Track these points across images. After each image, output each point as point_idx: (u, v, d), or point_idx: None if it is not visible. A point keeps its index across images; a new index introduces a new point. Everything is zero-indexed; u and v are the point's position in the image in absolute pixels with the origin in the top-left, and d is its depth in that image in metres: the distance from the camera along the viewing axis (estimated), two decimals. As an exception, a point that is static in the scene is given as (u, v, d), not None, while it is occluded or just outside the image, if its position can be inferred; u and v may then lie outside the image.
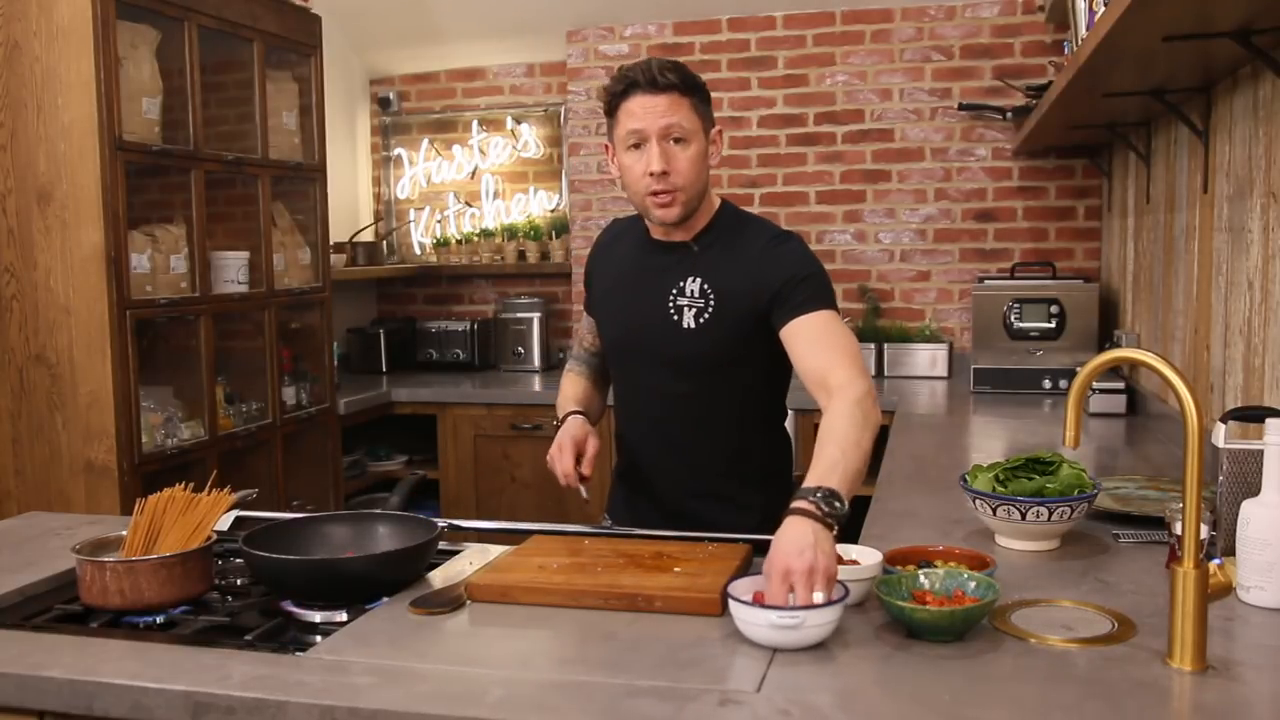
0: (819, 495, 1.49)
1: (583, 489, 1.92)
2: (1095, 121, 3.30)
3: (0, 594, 1.67)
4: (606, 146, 1.95)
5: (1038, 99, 3.54)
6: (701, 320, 1.92)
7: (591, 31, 4.63)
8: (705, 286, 1.93)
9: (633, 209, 2.01)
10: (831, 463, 1.57)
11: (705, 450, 2.02)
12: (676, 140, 1.83)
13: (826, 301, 1.88)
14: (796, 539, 1.41)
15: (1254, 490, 1.55)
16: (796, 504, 1.48)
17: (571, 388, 2.13)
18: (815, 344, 1.83)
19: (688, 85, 1.84)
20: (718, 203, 2.00)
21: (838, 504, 1.49)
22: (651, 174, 1.83)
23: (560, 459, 1.90)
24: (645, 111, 1.82)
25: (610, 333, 2.09)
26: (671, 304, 1.94)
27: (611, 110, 1.87)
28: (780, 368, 2.02)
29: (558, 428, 2.00)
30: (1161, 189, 3.11)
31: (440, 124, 5.01)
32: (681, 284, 1.94)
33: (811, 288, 1.88)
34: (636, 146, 1.84)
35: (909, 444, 2.97)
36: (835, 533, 1.47)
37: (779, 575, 1.39)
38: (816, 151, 4.45)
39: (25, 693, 1.37)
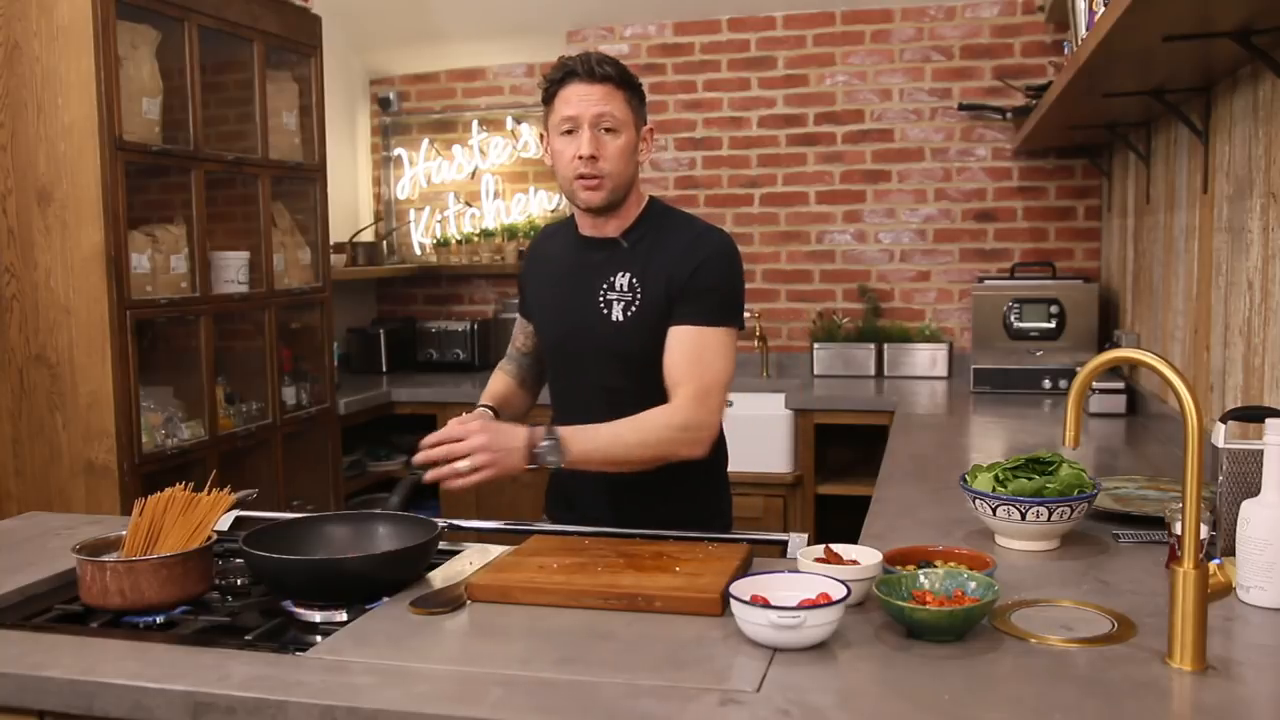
0: (547, 435, 1.78)
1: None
2: (1095, 121, 3.30)
3: (0, 594, 1.67)
4: (542, 135, 2.01)
5: (1038, 99, 3.54)
6: (629, 313, 1.95)
7: (591, 31, 4.63)
8: (634, 280, 1.96)
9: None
10: (594, 435, 1.83)
11: None
12: (608, 130, 1.90)
13: (724, 317, 1.93)
14: (509, 434, 1.76)
15: (1254, 490, 1.55)
16: (535, 425, 1.80)
17: (493, 385, 2.16)
18: (684, 355, 1.90)
19: (623, 79, 1.91)
20: (646, 199, 2.04)
21: (551, 456, 1.77)
22: (580, 158, 1.89)
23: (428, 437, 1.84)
24: (580, 99, 1.88)
25: (546, 331, 2.11)
26: (602, 298, 1.98)
27: (549, 98, 1.93)
28: None
29: None
30: (1161, 189, 3.11)
31: (440, 124, 5.01)
32: (612, 279, 1.98)
33: (716, 297, 1.93)
34: (569, 133, 1.91)
35: (909, 444, 2.97)
36: (530, 467, 1.76)
37: (469, 428, 1.73)
38: (816, 151, 4.45)
39: (25, 693, 1.37)
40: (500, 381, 2.18)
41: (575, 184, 1.93)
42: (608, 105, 1.89)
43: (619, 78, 1.91)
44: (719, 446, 2.11)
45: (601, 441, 1.83)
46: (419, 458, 1.74)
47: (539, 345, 2.17)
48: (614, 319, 1.96)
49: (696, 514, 2.03)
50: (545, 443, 1.78)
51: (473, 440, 1.73)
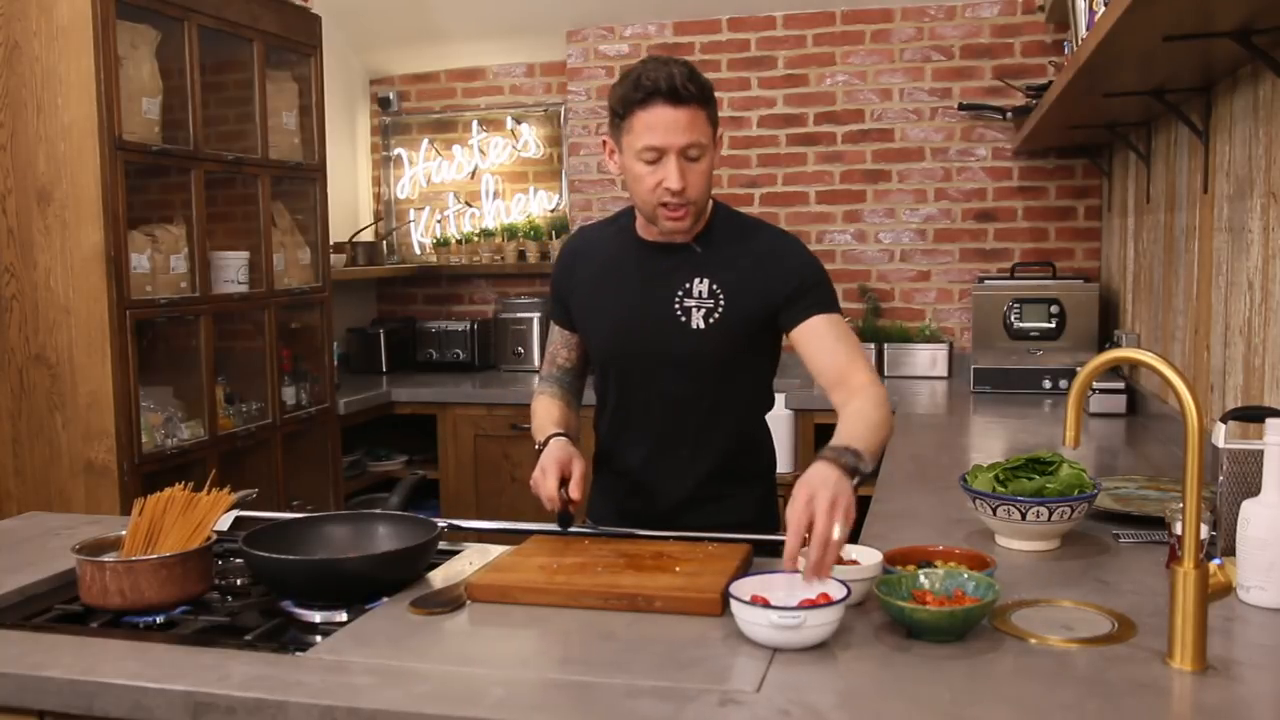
0: (840, 449, 1.60)
1: (570, 510, 1.86)
2: (1095, 121, 3.30)
3: (0, 594, 1.67)
4: (605, 142, 1.90)
5: (1038, 99, 3.54)
6: (711, 320, 1.91)
7: (591, 31, 4.63)
8: (714, 287, 1.92)
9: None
10: (855, 433, 1.68)
11: (704, 450, 2.00)
12: (692, 158, 1.80)
13: (836, 305, 1.94)
14: (821, 473, 1.52)
15: (1254, 490, 1.55)
16: (820, 455, 1.58)
17: (546, 411, 2.03)
18: (835, 345, 1.89)
19: (705, 96, 1.80)
20: (711, 203, 1.98)
21: (860, 462, 1.59)
22: (668, 189, 1.81)
23: (544, 483, 1.82)
24: (667, 128, 1.76)
25: (602, 338, 2.04)
26: (678, 305, 1.92)
27: (624, 115, 1.81)
28: (774, 365, 2.07)
29: (539, 453, 1.91)
30: (1161, 189, 3.11)
31: (440, 124, 5.01)
32: (688, 285, 1.93)
33: (824, 291, 1.93)
34: (653, 161, 1.80)
35: (909, 444, 2.97)
36: (855, 482, 1.55)
37: (803, 501, 1.47)
38: (816, 151, 4.45)
39: (25, 693, 1.37)
40: (550, 406, 2.06)
41: (659, 211, 1.85)
42: (695, 132, 1.78)
43: (702, 96, 1.78)
44: (771, 449, 2.13)
45: (870, 437, 1.69)
46: (810, 575, 1.44)
47: (582, 357, 2.11)
48: (694, 326, 1.91)
49: (757, 518, 2.04)
50: (850, 457, 1.58)
51: (821, 514, 1.46)
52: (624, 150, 1.85)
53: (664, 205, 1.84)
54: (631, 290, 1.97)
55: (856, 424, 1.73)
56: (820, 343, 1.88)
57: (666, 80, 1.75)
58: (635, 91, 1.78)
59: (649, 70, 1.78)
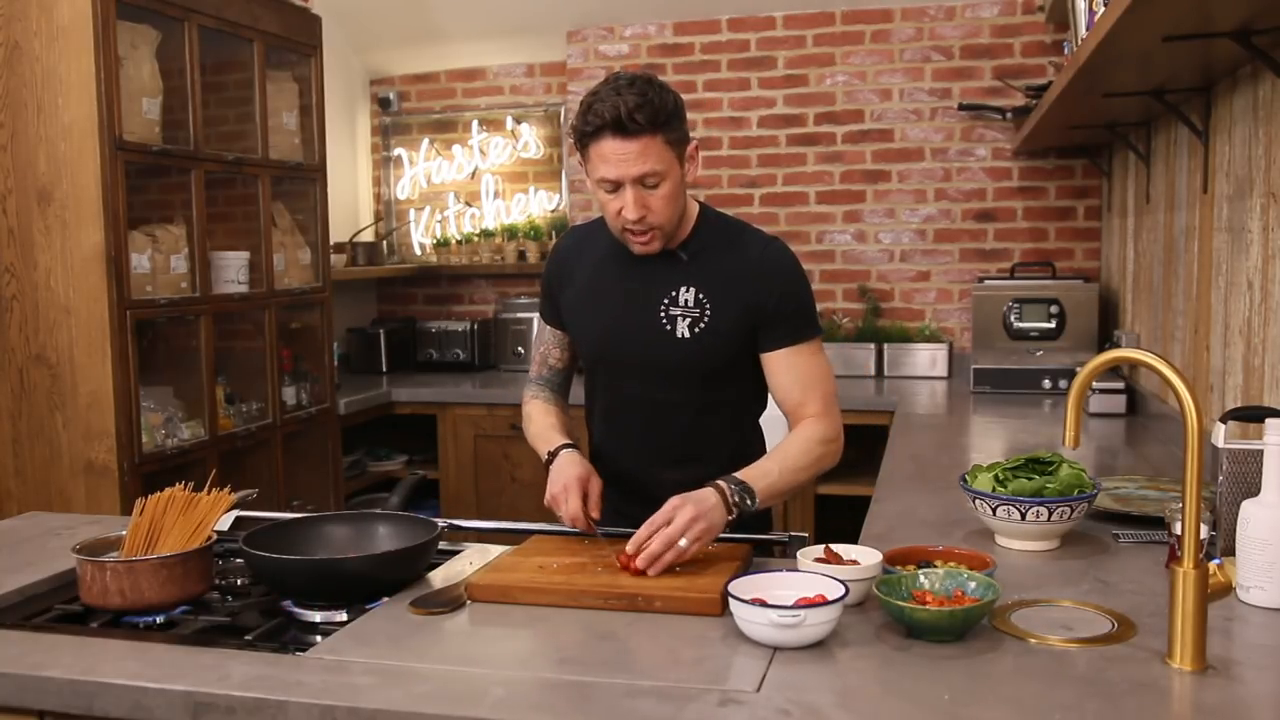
0: (735, 485, 1.71)
1: (595, 529, 1.83)
2: (1095, 121, 3.30)
3: (0, 594, 1.67)
4: (582, 162, 1.89)
5: (1038, 99, 3.54)
6: (697, 330, 1.90)
7: (591, 31, 4.63)
8: (700, 296, 1.90)
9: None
10: (764, 473, 1.77)
11: (693, 457, 1.99)
12: (650, 186, 1.79)
13: (813, 329, 1.93)
14: (702, 493, 1.68)
15: (1254, 490, 1.55)
16: (714, 480, 1.71)
17: (546, 418, 2.02)
18: (796, 378, 1.91)
19: (658, 122, 1.75)
20: (696, 208, 1.96)
21: (748, 500, 1.71)
22: (627, 218, 1.82)
23: (568, 502, 1.81)
24: (618, 158, 1.75)
25: (589, 343, 2.03)
26: (664, 313, 1.91)
27: (581, 146, 1.80)
28: (763, 374, 2.04)
29: (548, 465, 1.89)
30: (1161, 189, 3.11)
31: (440, 124, 5.01)
32: (674, 293, 1.91)
33: (802, 314, 1.92)
34: (611, 190, 1.81)
35: (909, 444, 2.97)
36: (731, 518, 1.69)
37: (670, 506, 1.64)
38: (816, 151, 4.45)
39: (25, 693, 1.37)
40: (548, 413, 2.05)
41: (625, 236, 1.86)
42: (647, 161, 1.75)
43: (653, 123, 1.74)
44: (765, 452, 2.11)
45: (775, 476, 1.78)
46: (641, 561, 1.61)
47: (574, 357, 2.10)
48: (679, 335, 1.90)
49: (754, 520, 2.01)
50: (737, 489, 1.71)
51: (681, 517, 1.63)
52: (589, 176, 1.85)
53: (628, 230, 1.85)
54: (619, 296, 1.97)
55: (770, 462, 1.82)
56: (783, 374, 1.91)
57: (612, 112, 1.73)
58: (585, 125, 1.78)
59: (599, 100, 1.76)
